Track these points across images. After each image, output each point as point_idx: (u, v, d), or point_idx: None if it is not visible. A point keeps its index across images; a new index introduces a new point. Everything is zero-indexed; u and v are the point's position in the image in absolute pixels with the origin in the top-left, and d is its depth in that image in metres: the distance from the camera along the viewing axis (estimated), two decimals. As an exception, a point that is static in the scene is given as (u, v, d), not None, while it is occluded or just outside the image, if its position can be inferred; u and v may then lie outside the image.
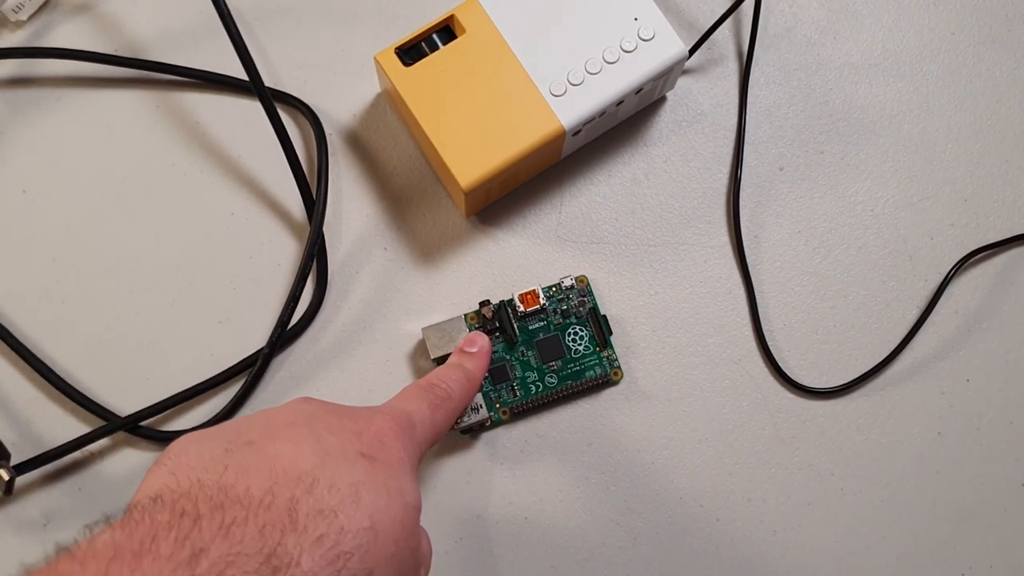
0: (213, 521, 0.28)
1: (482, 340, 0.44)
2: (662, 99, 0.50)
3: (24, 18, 0.49)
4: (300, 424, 0.34)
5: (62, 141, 0.48)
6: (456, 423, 0.44)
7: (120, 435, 0.46)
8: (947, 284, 0.48)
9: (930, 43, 0.50)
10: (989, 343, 0.47)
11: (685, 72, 0.50)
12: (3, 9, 0.48)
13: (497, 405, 0.46)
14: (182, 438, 0.33)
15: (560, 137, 0.45)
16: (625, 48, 0.45)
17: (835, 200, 0.49)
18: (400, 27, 0.50)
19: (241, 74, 0.47)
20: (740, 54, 0.50)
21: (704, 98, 0.50)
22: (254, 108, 0.49)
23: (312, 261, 0.46)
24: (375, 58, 0.45)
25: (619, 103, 0.46)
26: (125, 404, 0.46)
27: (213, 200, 0.48)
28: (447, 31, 0.46)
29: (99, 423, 0.45)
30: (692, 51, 0.48)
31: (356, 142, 0.49)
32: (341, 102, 0.49)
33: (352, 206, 0.48)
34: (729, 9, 0.48)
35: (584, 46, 0.45)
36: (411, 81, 0.44)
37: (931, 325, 0.48)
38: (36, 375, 0.46)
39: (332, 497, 0.31)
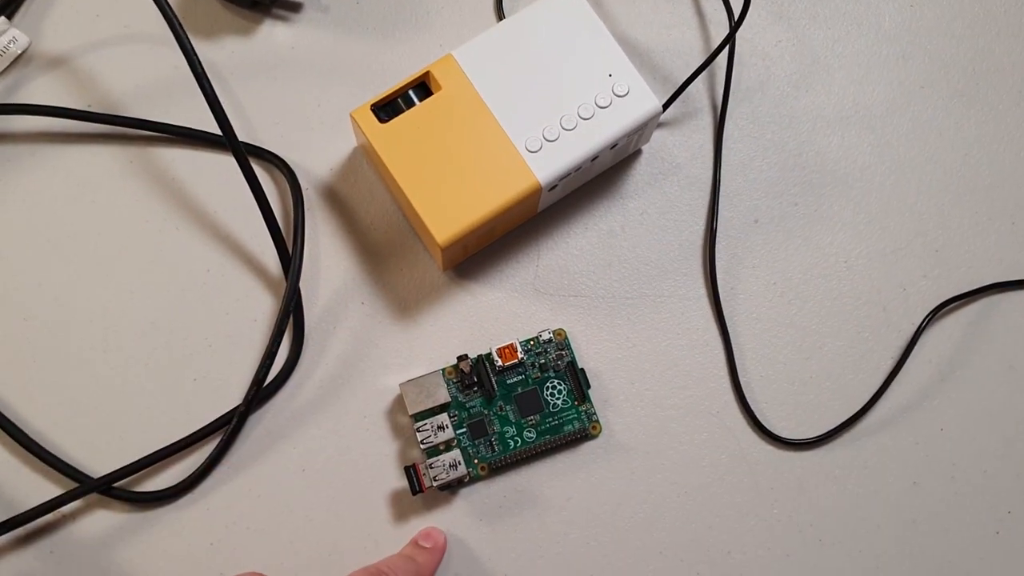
0: None
1: (437, 536, 0.44)
2: (638, 152, 0.50)
3: (-3, 73, 0.49)
4: None
5: (36, 197, 0.48)
6: (434, 480, 0.44)
7: (93, 497, 0.45)
8: (920, 334, 0.48)
9: (900, 97, 0.51)
10: (962, 392, 0.48)
11: (660, 126, 0.50)
12: (-25, 65, 0.48)
13: (475, 461, 0.46)
14: None
15: (536, 192, 0.45)
16: (600, 104, 0.45)
17: (809, 252, 0.49)
18: (376, 83, 0.50)
19: (217, 129, 0.48)
20: (714, 108, 0.51)
21: (679, 151, 0.50)
22: (230, 163, 0.48)
23: (288, 317, 0.46)
24: (351, 115, 0.45)
25: (594, 158, 0.46)
26: (98, 464, 0.45)
27: (188, 256, 0.48)
28: (423, 87, 0.46)
29: (72, 484, 0.45)
30: (666, 105, 0.49)
31: (333, 197, 0.49)
32: (318, 157, 0.49)
33: (329, 261, 0.48)
34: (703, 64, 0.48)
35: (559, 102, 0.45)
36: (387, 137, 0.44)
37: (905, 375, 0.48)
38: (6, 436, 0.45)
39: None
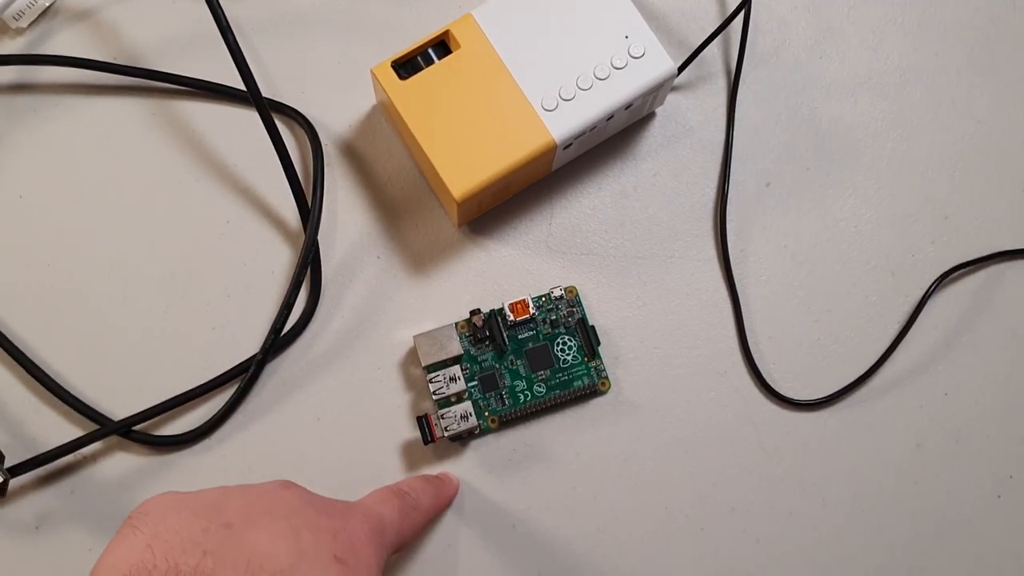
0: None
1: (451, 476, 0.46)
2: (651, 114, 0.51)
3: (24, 25, 0.49)
4: (279, 515, 0.34)
5: (59, 147, 0.49)
6: (445, 430, 0.45)
7: (113, 439, 0.46)
8: (927, 299, 0.49)
9: (914, 64, 0.51)
10: (967, 358, 0.49)
11: (674, 88, 0.51)
12: (4, 16, 0.48)
13: (486, 413, 0.47)
14: (159, 500, 0.33)
15: (551, 150, 0.46)
16: (616, 65, 0.46)
17: (820, 216, 0.50)
18: (396, 41, 0.51)
19: (239, 84, 0.48)
20: (728, 72, 0.51)
21: (693, 114, 0.51)
22: (251, 117, 0.49)
23: (306, 269, 0.47)
24: (372, 71, 0.46)
25: (609, 118, 0.46)
26: (119, 408, 0.46)
27: (208, 208, 0.49)
28: (442, 46, 0.47)
29: (92, 427, 0.46)
30: (681, 68, 0.49)
31: (351, 152, 0.50)
32: (337, 113, 0.50)
33: (346, 215, 0.49)
34: (718, 28, 0.49)
35: (576, 62, 0.46)
36: (407, 94, 0.45)
37: (911, 339, 0.49)
38: (30, 378, 0.46)
39: None
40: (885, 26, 0.52)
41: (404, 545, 0.40)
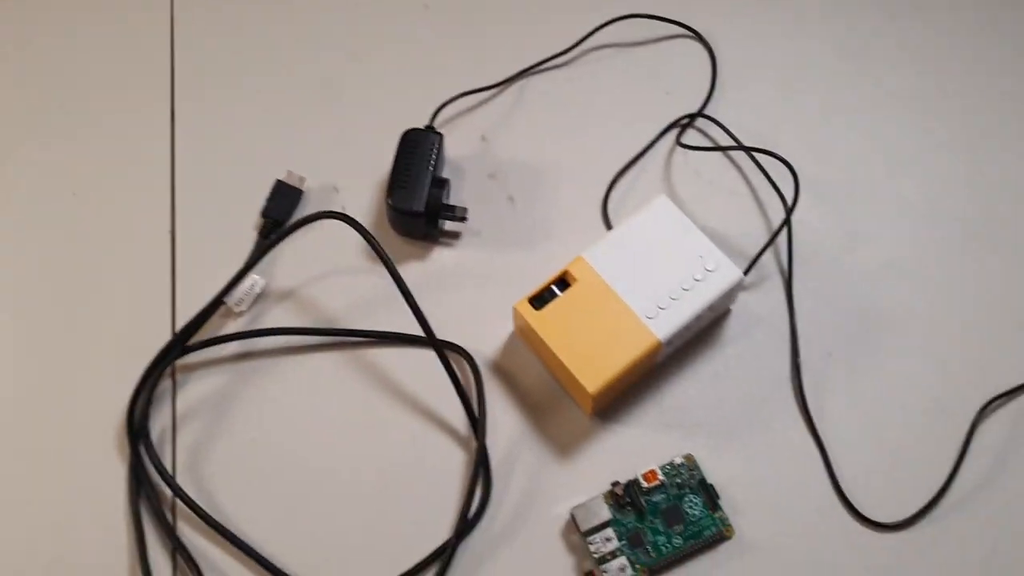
0: None
1: None
2: (728, 310, 0.65)
3: (244, 309, 0.65)
4: None
5: (280, 396, 0.64)
6: (609, 582, 0.56)
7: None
8: (974, 430, 0.60)
9: (928, 250, 0.66)
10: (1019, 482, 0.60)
11: (743, 289, 0.65)
12: (230, 304, 0.65)
13: (637, 566, 0.58)
14: None
15: (657, 347, 0.59)
16: (696, 278, 0.60)
17: (878, 373, 0.62)
18: (519, 282, 0.66)
19: (409, 329, 0.63)
20: (782, 271, 0.65)
21: (760, 307, 0.65)
22: (421, 354, 0.64)
23: (479, 468, 0.60)
24: (514, 307, 0.61)
25: (697, 318, 0.60)
26: (346, 596, 0.58)
27: (397, 430, 0.62)
28: (563, 282, 0.62)
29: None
30: (746, 272, 0.64)
31: (498, 370, 0.64)
32: (484, 342, 0.64)
33: (502, 419, 0.62)
34: (768, 240, 0.64)
35: (666, 280, 0.60)
36: (543, 320, 0.60)
37: (967, 466, 0.60)
38: (257, 567, 0.59)
39: None
40: (900, 227, 0.67)
41: None
